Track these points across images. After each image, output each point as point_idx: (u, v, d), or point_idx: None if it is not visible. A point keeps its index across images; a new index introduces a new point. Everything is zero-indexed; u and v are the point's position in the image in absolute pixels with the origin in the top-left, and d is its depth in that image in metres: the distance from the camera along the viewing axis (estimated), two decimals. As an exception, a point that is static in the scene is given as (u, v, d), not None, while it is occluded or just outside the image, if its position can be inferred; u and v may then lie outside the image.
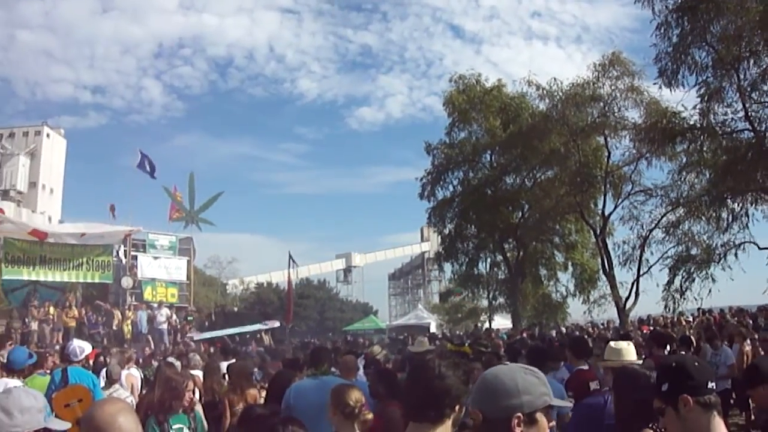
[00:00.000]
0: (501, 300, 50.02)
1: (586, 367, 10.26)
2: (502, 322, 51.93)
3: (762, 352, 17.57)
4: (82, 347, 12.23)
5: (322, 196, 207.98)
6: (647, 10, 31.55)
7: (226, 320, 44.39)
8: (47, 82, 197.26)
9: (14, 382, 10.00)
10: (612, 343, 8.30)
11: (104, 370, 13.91)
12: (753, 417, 15.53)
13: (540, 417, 3.28)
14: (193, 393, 9.17)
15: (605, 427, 5.72)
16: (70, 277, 38.48)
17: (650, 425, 5.01)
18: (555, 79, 40.26)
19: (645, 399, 4.94)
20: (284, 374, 10.57)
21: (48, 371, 12.08)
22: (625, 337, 19.56)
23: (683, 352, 16.21)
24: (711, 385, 3.94)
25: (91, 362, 14.50)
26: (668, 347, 15.90)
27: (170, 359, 15.02)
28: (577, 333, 34.13)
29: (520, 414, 3.20)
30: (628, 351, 8.03)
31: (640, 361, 9.06)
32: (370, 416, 6.22)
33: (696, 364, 4.04)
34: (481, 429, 3.29)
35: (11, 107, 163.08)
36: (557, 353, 12.71)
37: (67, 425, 3.99)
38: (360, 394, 6.30)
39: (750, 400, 13.71)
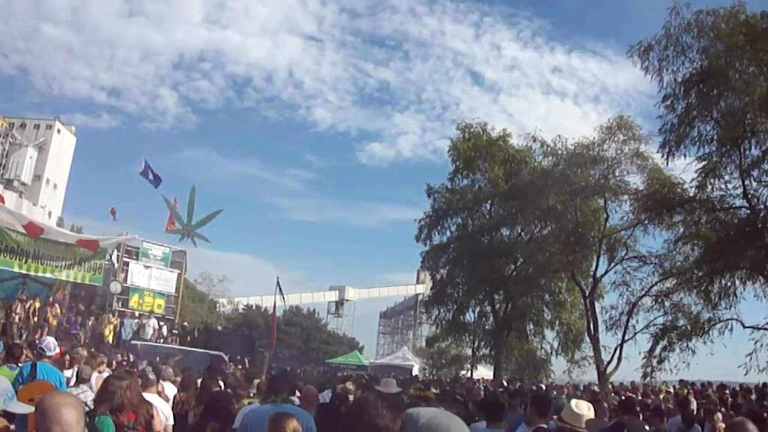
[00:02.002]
0: (485, 350, 49.87)
1: (545, 426, 10.38)
2: (485, 372, 51.78)
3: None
4: (55, 344, 12.38)
5: (323, 226, 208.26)
6: (656, 82, 31.89)
7: (209, 338, 44.21)
8: (65, 77, 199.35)
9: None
10: (573, 405, 8.07)
11: (75, 368, 14.01)
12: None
13: None
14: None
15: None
16: (61, 275, 38.43)
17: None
18: (560, 136, 40.71)
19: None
20: (224, 395, 10.65)
21: (19, 365, 12.19)
22: (593, 401, 19.57)
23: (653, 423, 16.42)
24: None
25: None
26: (641, 416, 15.94)
27: (147, 369, 15.03)
28: (541, 390, 33.92)
29: None
30: (589, 416, 7.60)
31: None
32: None
33: None
34: None
35: (26, 98, 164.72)
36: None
37: (30, 409, 4.09)
38: (297, 425, 6.38)
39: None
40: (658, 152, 33.15)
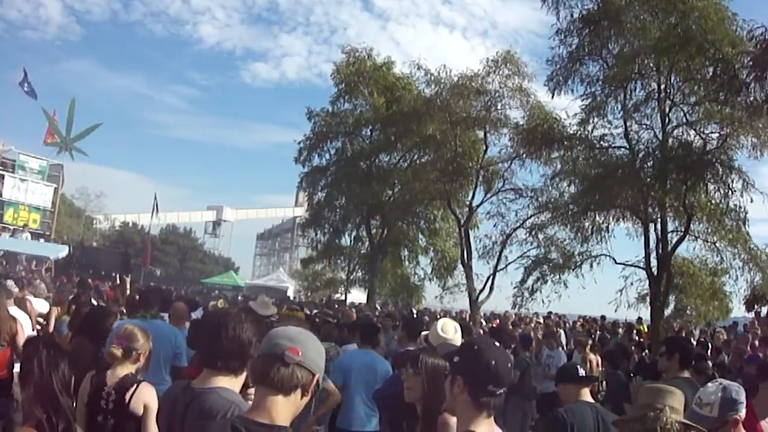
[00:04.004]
0: (359, 274, 50.34)
1: (413, 348, 10.60)
2: (358, 296, 52.10)
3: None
4: None
5: (204, 145, 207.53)
6: (552, 16, 32.12)
7: (84, 254, 43.73)
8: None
9: None
10: (439, 327, 8.07)
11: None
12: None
13: None
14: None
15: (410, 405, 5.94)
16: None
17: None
18: (444, 66, 40.55)
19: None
20: (100, 310, 10.61)
21: None
22: (462, 326, 19.86)
23: (522, 351, 16.84)
24: (492, 388, 4.06)
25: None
26: (511, 345, 16.24)
27: (8, 283, 14.84)
28: (412, 314, 34.03)
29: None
30: (454, 341, 7.51)
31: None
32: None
33: (493, 362, 4.08)
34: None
35: None
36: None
37: None
38: (146, 341, 6.46)
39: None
40: (545, 86, 33.43)
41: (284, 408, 3.46)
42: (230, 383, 4.10)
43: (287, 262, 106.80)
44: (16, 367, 9.73)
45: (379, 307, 39.82)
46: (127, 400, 5.63)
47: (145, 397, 5.66)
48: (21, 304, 12.33)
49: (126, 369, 6.01)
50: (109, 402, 5.70)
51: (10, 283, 14.14)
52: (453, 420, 4.82)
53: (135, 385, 5.73)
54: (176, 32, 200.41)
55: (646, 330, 29.23)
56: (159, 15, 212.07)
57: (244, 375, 4.24)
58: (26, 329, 10.28)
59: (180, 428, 4.08)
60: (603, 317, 34.53)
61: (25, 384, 4.17)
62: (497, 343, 4.30)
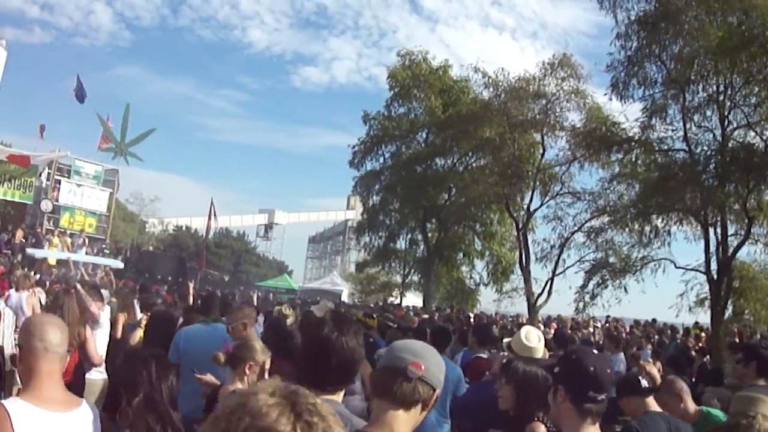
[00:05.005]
0: (415, 278, 50.33)
1: (485, 356, 10.42)
2: (413, 300, 52.05)
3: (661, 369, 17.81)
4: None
5: (255, 149, 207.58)
6: (609, 18, 31.87)
7: (140, 258, 44.06)
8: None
9: None
10: (523, 335, 8.01)
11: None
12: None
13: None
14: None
15: (496, 414, 5.85)
16: (-10, 191, 38.05)
17: (539, 418, 5.16)
18: (503, 69, 40.45)
19: (542, 391, 5.14)
20: (166, 315, 10.54)
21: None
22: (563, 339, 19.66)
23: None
24: (593, 394, 4.00)
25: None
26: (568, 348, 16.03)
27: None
28: (484, 320, 34.20)
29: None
30: (537, 350, 7.53)
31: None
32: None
33: (592, 368, 4.04)
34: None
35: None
36: (463, 338, 12.84)
37: None
38: (258, 354, 6.27)
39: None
40: (605, 94, 33.14)
41: (404, 422, 3.41)
42: (336, 396, 3.97)
43: (339, 265, 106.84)
44: (90, 374, 9.72)
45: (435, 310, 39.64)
46: None
47: None
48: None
49: (235, 383, 5.88)
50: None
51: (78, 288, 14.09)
52: (542, 428, 4.99)
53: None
54: (225, 37, 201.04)
55: (702, 334, 28.90)
56: (208, 20, 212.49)
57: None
58: (102, 337, 10.23)
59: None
60: (654, 320, 34.22)
61: (132, 396, 4.06)
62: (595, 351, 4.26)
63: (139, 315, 12.69)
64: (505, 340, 8.46)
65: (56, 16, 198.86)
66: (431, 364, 3.44)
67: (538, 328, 29.23)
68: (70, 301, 9.44)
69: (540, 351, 7.51)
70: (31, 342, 3.81)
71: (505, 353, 7.29)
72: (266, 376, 5.89)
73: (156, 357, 4.46)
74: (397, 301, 50.53)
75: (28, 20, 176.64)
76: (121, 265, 38.42)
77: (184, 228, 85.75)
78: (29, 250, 35.35)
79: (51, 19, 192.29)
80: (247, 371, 5.92)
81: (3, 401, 3.73)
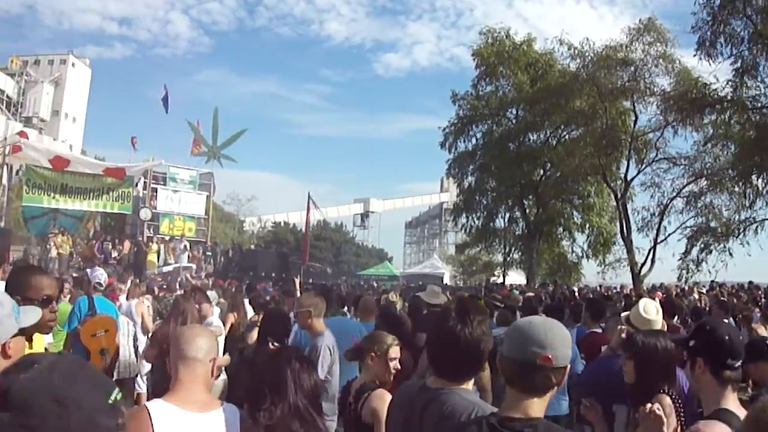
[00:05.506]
0: (516, 256, 50.19)
1: (599, 330, 10.36)
2: (515, 278, 51.76)
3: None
4: (105, 275, 12.44)
5: (344, 139, 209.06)
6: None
7: (243, 258, 44.42)
8: (73, 11, 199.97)
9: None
10: (641, 307, 7.94)
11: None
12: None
13: None
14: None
15: (620, 389, 5.80)
16: (90, 205, 38.56)
17: (664, 390, 5.12)
18: (588, 39, 40.08)
19: (664, 364, 5.12)
20: (279, 313, 10.61)
21: (64, 298, 12.19)
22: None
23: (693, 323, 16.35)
24: (731, 361, 4.03)
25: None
26: (677, 317, 15.84)
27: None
28: (591, 295, 33.80)
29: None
30: (656, 322, 7.30)
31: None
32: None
33: (727, 337, 4.06)
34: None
35: (37, 35, 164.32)
36: (574, 313, 12.75)
37: (39, 311, 4.07)
38: (392, 338, 6.25)
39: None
40: (694, 55, 32.73)
41: (538, 406, 3.42)
42: (466, 385, 3.97)
43: (437, 248, 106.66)
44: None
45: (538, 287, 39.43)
46: (359, 409, 5.50)
47: (374, 404, 5.50)
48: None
49: (365, 376, 5.90)
50: (350, 411, 5.64)
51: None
52: (667, 400, 4.93)
53: (368, 393, 5.58)
54: (303, 32, 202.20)
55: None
56: (284, 17, 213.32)
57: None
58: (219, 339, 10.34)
59: (418, 429, 3.97)
60: (751, 283, 33.64)
61: (277, 396, 4.11)
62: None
63: (251, 313, 12.77)
64: (624, 314, 8.42)
65: (134, 30, 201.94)
66: (558, 347, 3.42)
67: (644, 297, 29.01)
68: (191, 306, 9.57)
69: (659, 323, 7.37)
70: (178, 351, 3.99)
71: (623, 327, 7.21)
72: (393, 365, 5.89)
73: (300, 357, 4.49)
74: (500, 280, 50.36)
75: (107, 37, 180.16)
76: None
77: (282, 224, 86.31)
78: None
79: (130, 33, 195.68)
80: (370, 362, 5.92)
81: (147, 402, 3.95)
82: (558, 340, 3.46)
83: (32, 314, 3.92)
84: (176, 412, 3.80)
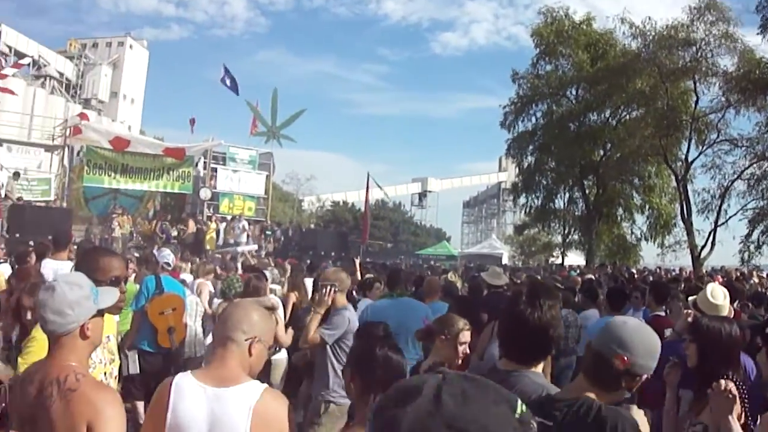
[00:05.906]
0: (575, 237, 50.00)
1: (662, 314, 10.32)
2: (574, 259, 51.58)
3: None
4: (172, 255, 12.57)
5: (401, 119, 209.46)
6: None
7: (303, 237, 44.56)
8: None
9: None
10: (709, 292, 7.79)
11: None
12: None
13: None
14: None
15: (686, 374, 5.80)
16: (150, 185, 38.92)
17: (728, 376, 5.12)
18: (650, 18, 39.63)
19: (728, 349, 5.12)
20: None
21: (130, 277, 12.31)
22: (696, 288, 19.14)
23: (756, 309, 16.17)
24: None
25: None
26: (737, 301, 15.64)
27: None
28: (651, 277, 33.47)
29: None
30: (723, 308, 7.46)
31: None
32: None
33: None
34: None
35: (95, 19, 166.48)
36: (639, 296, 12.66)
37: (116, 293, 4.16)
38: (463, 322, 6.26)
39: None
40: (757, 34, 32.38)
41: (601, 399, 3.48)
42: (537, 368, 4.01)
43: (495, 228, 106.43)
44: (275, 355, 10.05)
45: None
46: None
47: None
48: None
49: (434, 357, 5.94)
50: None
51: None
52: (731, 385, 4.79)
53: None
54: (360, 12, 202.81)
55: None
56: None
57: None
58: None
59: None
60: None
61: (366, 374, 4.12)
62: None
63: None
64: (690, 298, 8.39)
65: (191, 11, 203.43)
66: (640, 354, 3.49)
67: (705, 280, 28.80)
68: (262, 285, 9.70)
69: (726, 308, 7.47)
70: (216, 328, 4.08)
71: (690, 311, 7.20)
72: (462, 349, 5.92)
73: (387, 335, 4.51)
74: (559, 261, 50.27)
75: (164, 19, 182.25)
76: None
77: (340, 203, 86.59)
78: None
79: (186, 14, 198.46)
80: (439, 344, 5.95)
81: (178, 375, 4.10)
82: (643, 347, 3.53)
83: (110, 296, 4.04)
84: (193, 384, 3.96)
